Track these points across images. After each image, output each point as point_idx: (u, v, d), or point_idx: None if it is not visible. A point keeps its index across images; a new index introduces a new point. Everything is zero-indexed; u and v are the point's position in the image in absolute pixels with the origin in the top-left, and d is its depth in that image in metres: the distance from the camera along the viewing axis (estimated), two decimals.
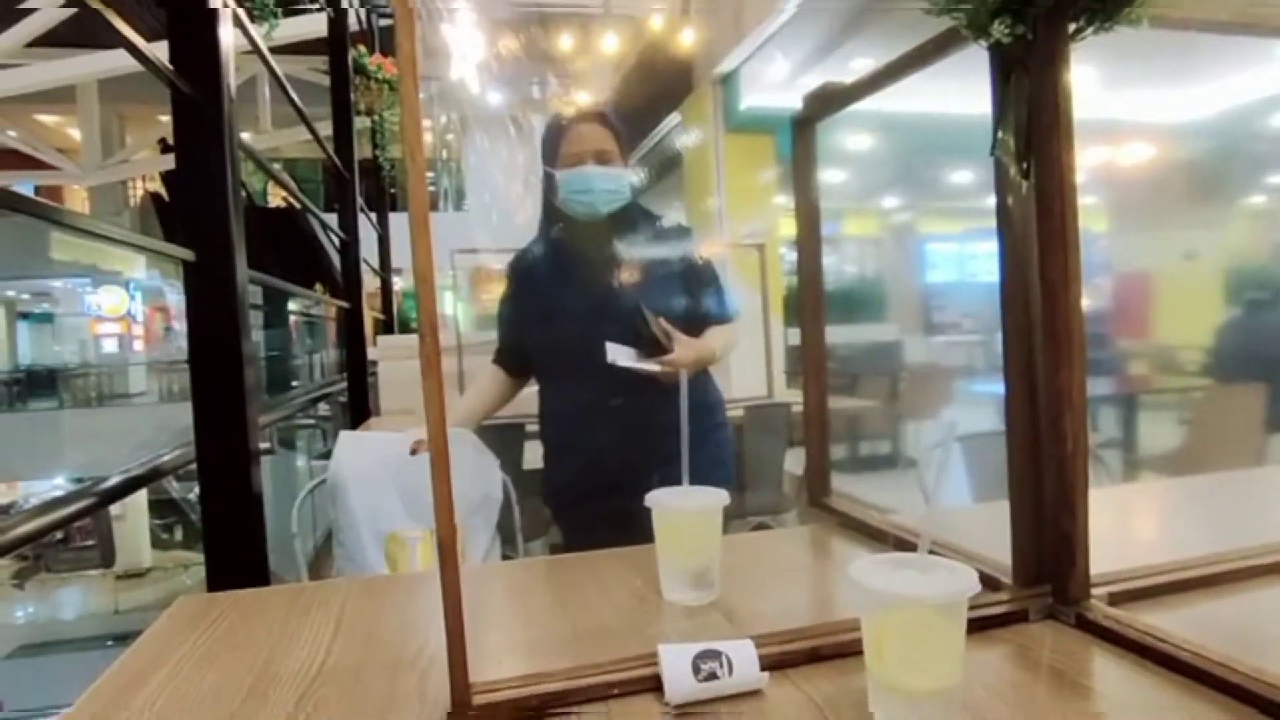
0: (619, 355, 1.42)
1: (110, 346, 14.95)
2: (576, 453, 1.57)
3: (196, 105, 1.40)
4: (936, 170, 9.65)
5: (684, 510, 0.82)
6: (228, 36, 1.49)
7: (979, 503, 1.69)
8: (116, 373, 13.74)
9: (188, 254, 1.40)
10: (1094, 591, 0.73)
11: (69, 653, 8.49)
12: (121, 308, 14.81)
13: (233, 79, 1.48)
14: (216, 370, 1.47)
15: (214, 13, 1.45)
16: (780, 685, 0.62)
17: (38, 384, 13.02)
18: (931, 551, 0.59)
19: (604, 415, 1.51)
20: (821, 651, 0.66)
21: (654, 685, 0.62)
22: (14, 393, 12.44)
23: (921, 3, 0.69)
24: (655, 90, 6.48)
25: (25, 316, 15.63)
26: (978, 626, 0.71)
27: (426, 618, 0.81)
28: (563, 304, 1.55)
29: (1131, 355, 6.20)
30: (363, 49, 4.52)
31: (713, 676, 0.60)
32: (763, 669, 0.62)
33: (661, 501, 0.82)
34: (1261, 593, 0.78)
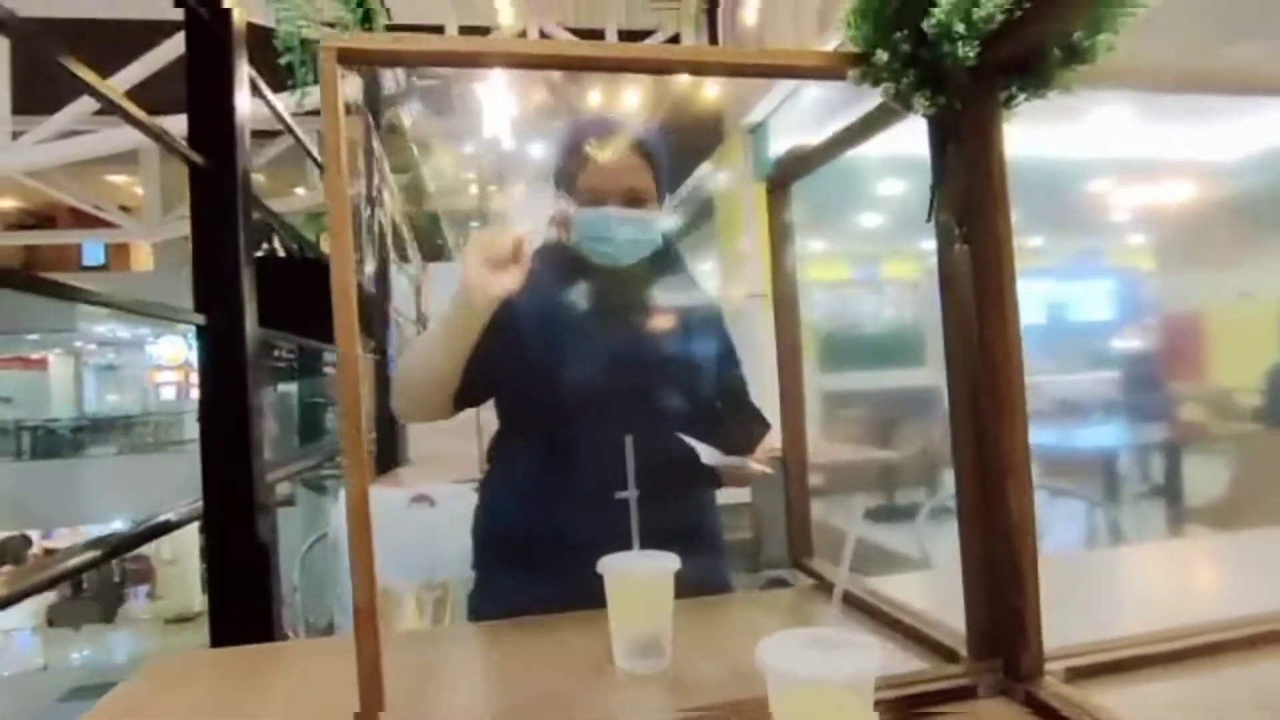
0: (701, 452, 1.11)
1: (169, 394, 15.53)
2: (552, 550, 1.08)
3: (210, 174, 1.48)
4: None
5: (635, 575, 0.82)
6: (244, 106, 1.57)
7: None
8: (174, 420, 14.22)
9: (199, 319, 1.47)
10: (1050, 666, 0.70)
11: None
12: (180, 356, 15.40)
13: (247, 148, 1.56)
14: (225, 427, 1.52)
15: (230, 85, 1.54)
16: None
17: (100, 431, 13.54)
18: (846, 598, 0.57)
19: (603, 507, 0.94)
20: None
21: None
22: (79, 439, 12.95)
23: (845, 78, 0.70)
24: (687, 142, 6.60)
25: (90, 366, 16.35)
26: (923, 701, 0.69)
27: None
28: (564, 358, 1.19)
29: (1182, 399, 5.98)
30: (399, 109, 4.70)
31: None
32: None
33: (613, 566, 0.82)
34: (1238, 669, 0.74)
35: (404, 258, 4.70)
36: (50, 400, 15.15)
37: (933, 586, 1.24)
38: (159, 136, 1.32)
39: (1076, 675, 0.71)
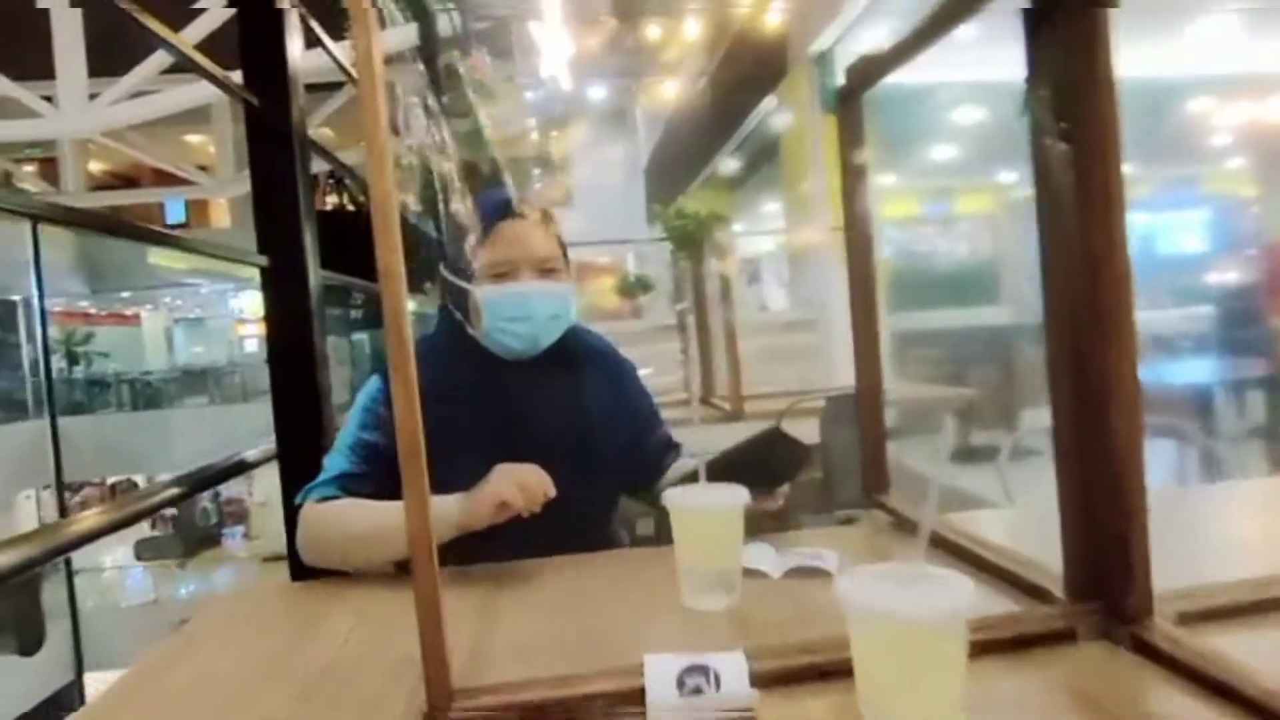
0: (763, 562, 0.89)
1: (251, 346, 16.18)
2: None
3: (265, 117, 1.46)
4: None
5: (702, 509, 0.78)
6: (296, 49, 1.55)
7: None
8: (258, 370, 14.84)
9: (262, 260, 1.47)
10: (1160, 609, 0.64)
11: None
12: (260, 309, 15.96)
13: (300, 88, 1.54)
14: (294, 371, 1.53)
15: (281, 28, 1.51)
16: (771, 704, 0.58)
17: (191, 382, 14.25)
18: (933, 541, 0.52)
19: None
20: (825, 669, 0.61)
21: (642, 699, 0.59)
22: (172, 391, 13.65)
23: None
24: (749, 74, 6.36)
25: (179, 320, 17.15)
26: (1018, 645, 0.64)
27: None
28: (472, 462, 0.98)
29: None
30: (456, 53, 4.64)
31: (697, 691, 0.56)
32: (758, 685, 0.58)
33: (678, 500, 0.79)
34: None
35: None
36: (144, 354, 15.98)
37: (1019, 524, 1.17)
38: (220, 81, 1.31)
39: (1187, 619, 0.64)
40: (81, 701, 5.74)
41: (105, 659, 9.47)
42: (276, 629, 0.82)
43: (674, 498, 0.79)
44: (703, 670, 0.57)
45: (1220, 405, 4.86)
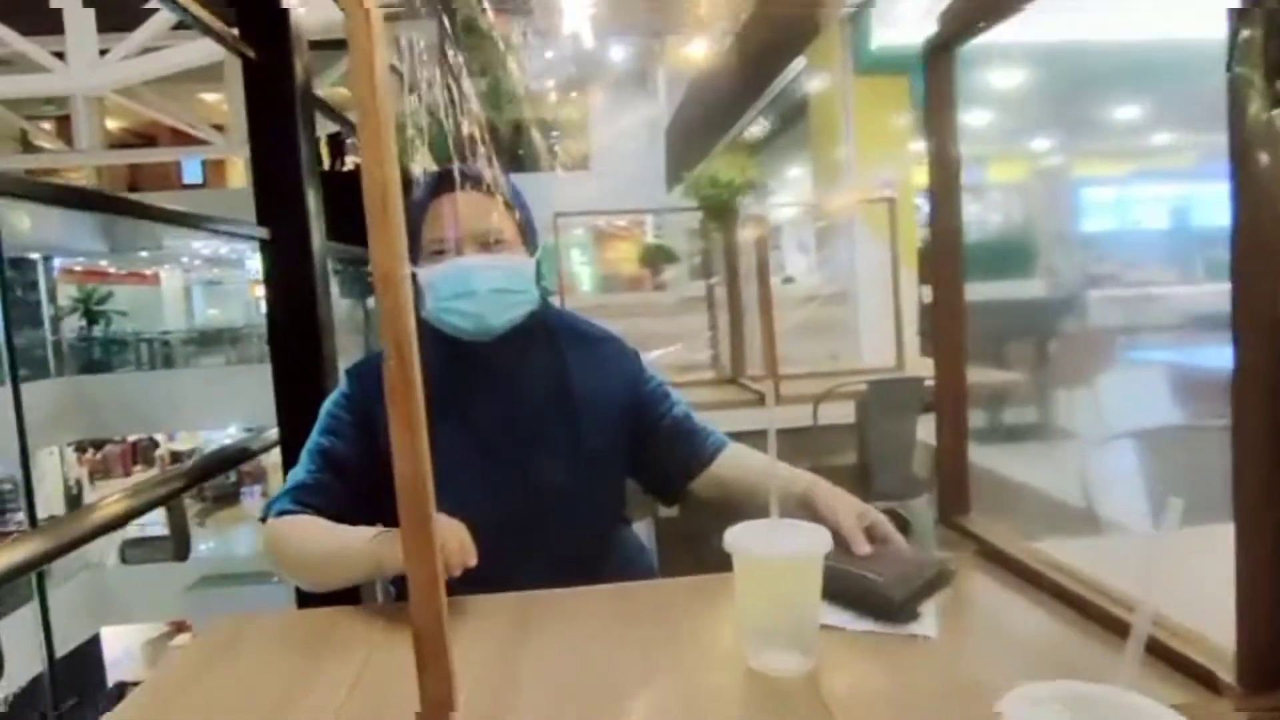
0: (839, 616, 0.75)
1: None
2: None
3: (264, 73, 1.32)
4: (1093, 106, 8.66)
5: (775, 559, 0.64)
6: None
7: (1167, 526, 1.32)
8: None
9: (263, 233, 1.34)
10: None
11: (241, 585, 9.41)
12: None
13: (304, 45, 1.39)
14: (296, 346, 1.41)
15: None
16: None
17: (209, 342, 14.28)
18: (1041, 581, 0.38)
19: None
20: None
21: None
22: (190, 351, 13.69)
23: None
24: (778, 34, 6.09)
25: (198, 282, 17.18)
26: None
27: (470, 652, 0.68)
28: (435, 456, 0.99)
29: None
30: (475, 5, 4.43)
31: None
32: None
33: (744, 544, 0.65)
34: None
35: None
36: (163, 314, 16.03)
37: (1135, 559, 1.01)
38: (213, 31, 1.16)
39: None
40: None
41: (124, 614, 9.63)
42: (279, 665, 0.70)
43: (739, 542, 0.65)
44: None
45: None
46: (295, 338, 1.39)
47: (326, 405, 1.07)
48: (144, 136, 13.61)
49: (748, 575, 0.65)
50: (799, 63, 6.34)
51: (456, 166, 0.98)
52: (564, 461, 1.02)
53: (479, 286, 0.99)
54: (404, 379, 0.43)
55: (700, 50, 7.09)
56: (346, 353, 1.46)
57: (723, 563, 0.98)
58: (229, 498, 12.51)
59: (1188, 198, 10.16)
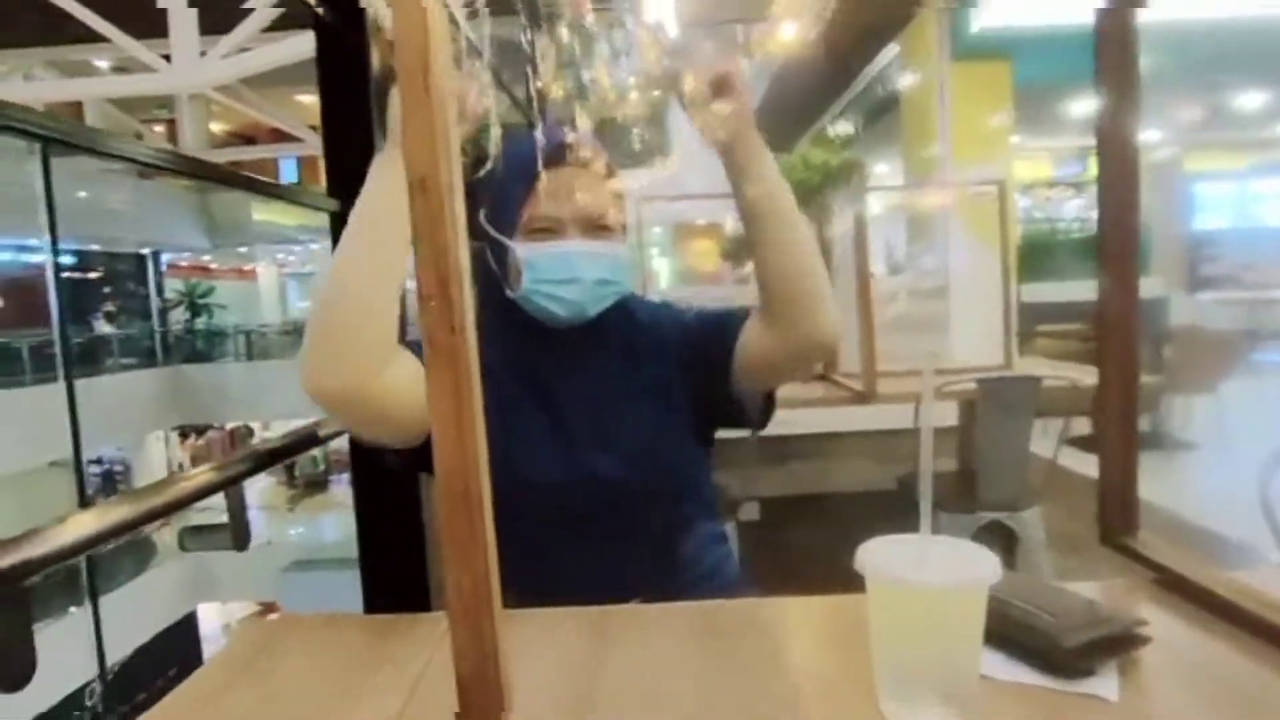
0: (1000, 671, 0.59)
1: None
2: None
3: (339, 41, 1.26)
4: (1211, 94, 8.06)
5: (927, 589, 0.51)
6: None
7: None
8: None
9: (333, 204, 1.28)
10: None
11: (327, 570, 9.76)
12: None
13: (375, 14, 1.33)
14: None
15: None
16: None
17: (302, 333, 14.85)
18: None
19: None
20: None
21: None
22: (286, 342, 14.28)
23: None
24: (868, 21, 5.85)
25: (291, 276, 17.93)
26: None
27: (528, 672, 0.58)
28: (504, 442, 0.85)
29: None
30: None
31: None
32: None
33: (885, 568, 0.52)
34: None
35: None
36: (261, 306, 16.80)
37: None
38: None
39: None
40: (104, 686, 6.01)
41: (219, 593, 10.12)
42: (315, 685, 0.62)
43: (878, 563, 0.52)
44: None
45: None
46: None
47: None
48: (245, 137, 14.24)
49: (889, 607, 0.52)
50: (891, 50, 6.07)
51: (572, 137, 0.90)
52: (645, 449, 0.95)
53: (585, 275, 0.92)
54: (449, 326, 0.32)
55: (786, 39, 6.89)
56: None
57: (810, 573, 0.86)
58: (318, 485, 12.97)
59: None
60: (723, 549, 1.05)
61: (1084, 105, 8.06)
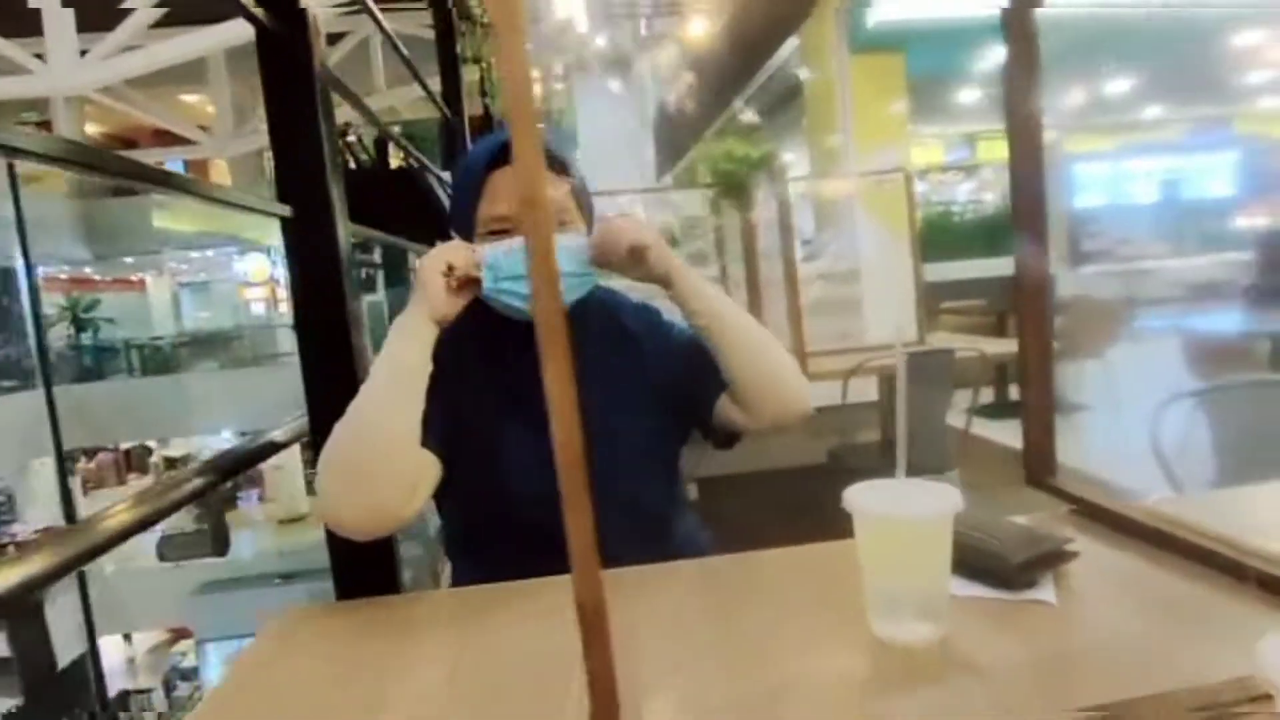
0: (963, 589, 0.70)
1: (258, 310, 16.01)
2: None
3: (281, 42, 1.25)
4: (1085, 81, 8.69)
5: (905, 520, 0.60)
6: None
7: (1237, 481, 1.30)
8: (265, 334, 14.72)
9: (284, 210, 1.28)
10: None
11: (243, 589, 9.34)
12: (265, 273, 15.77)
13: (317, 20, 1.33)
14: (323, 335, 1.35)
15: None
16: None
17: (200, 347, 14.14)
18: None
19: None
20: None
21: None
22: (180, 356, 13.56)
23: None
24: (770, 15, 6.03)
25: (184, 285, 17.00)
26: None
27: (562, 642, 0.63)
28: (486, 442, 0.97)
29: None
30: None
31: None
32: None
33: (868, 505, 0.60)
34: None
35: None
36: (151, 319, 15.86)
37: (1237, 513, 0.97)
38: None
39: None
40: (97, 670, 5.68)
41: (123, 623, 9.54)
42: (360, 667, 0.65)
43: (860, 500, 0.60)
44: None
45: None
46: (322, 318, 1.33)
47: None
48: (125, 140, 13.42)
49: (873, 539, 0.60)
50: (791, 43, 6.28)
51: (506, 137, 0.94)
52: (621, 437, 0.98)
53: None
54: (555, 320, 0.38)
55: (690, 34, 7.03)
56: None
57: (752, 545, 0.93)
58: (226, 502, 12.41)
59: (1179, 170, 10.21)
60: (693, 523, 1.11)
61: (970, 94, 8.53)
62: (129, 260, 14.52)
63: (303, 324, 1.35)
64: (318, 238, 1.32)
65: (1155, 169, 10.49)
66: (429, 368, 0.88)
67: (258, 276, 16.01)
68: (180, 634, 10.15)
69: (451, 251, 0.92)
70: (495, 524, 0.96)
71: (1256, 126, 10.37)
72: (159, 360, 13.01)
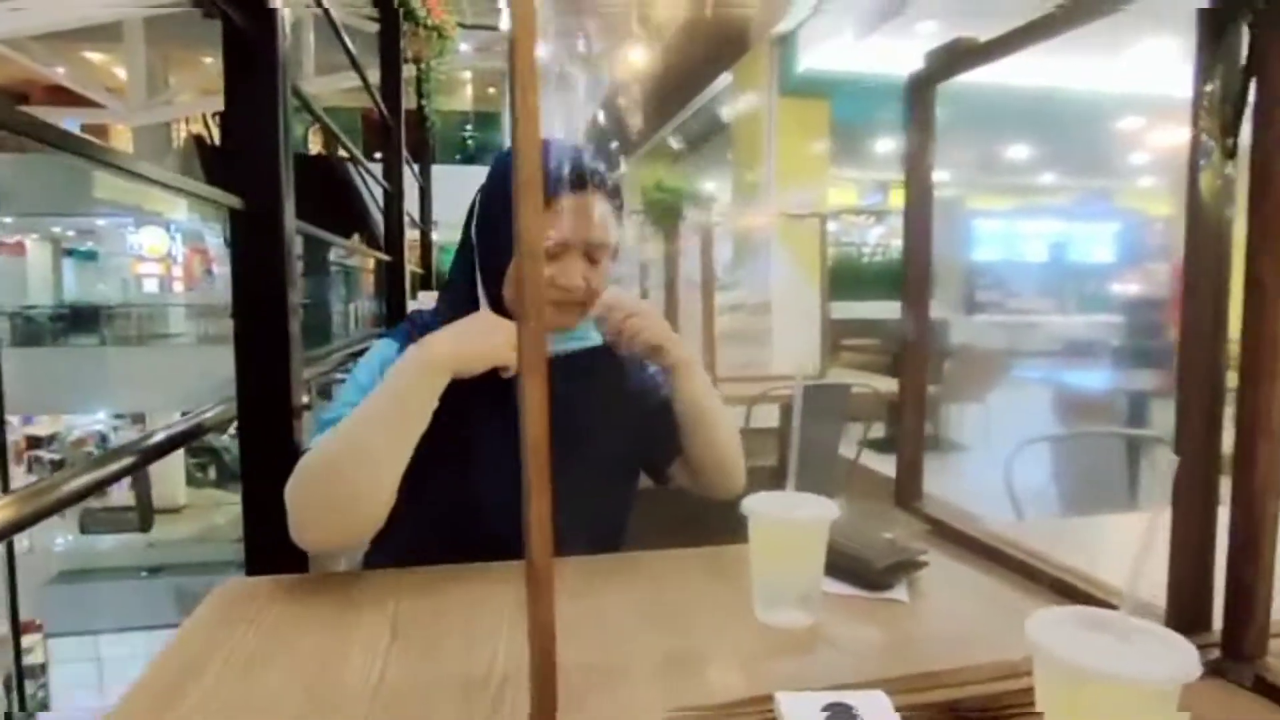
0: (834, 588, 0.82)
1: (151, 286, 15.15)
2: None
3: (248, 39, 1.30)
4: (989, 144, 9.34)
5: (790, 523, 0.72)
6: None
7: (1070, 514, 1.55)
8: (156, 313, 13.94)
9: (235, 201, 1.32)
10: (1271, 646, 0.63)
11: (104, 580, 8.77)
12: (162, 248, 14.97)
13: (286, 12, 1.38)
14: (262, 324, 1.39)
15: None
16: None
17: (81, 320, 13.27)
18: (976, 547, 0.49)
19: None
20: (963, 706, 0.57)
21: None
22: (58, 328, 12.69)
23: None
24: (706, 49, 6.27)
25: (70, 253, 15.91)
26: None
27: (491, 625, 0.72)
28: (477, 450, 0.94)
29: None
30: None
31: None
32: None
33: (761, 511, 0.73)
34: None
35: (413, 156, 4.46)
36: (28, 287, 14.76)
37: (1062, 538, 1.15)
38: None
39: None
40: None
41: None
42: (299, 638, 0.72)
43: (756, 505, 0.73)
44: (847, 712, 0.52)
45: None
46: (263, 308, 1.37)
47: (376, 357, 0.99)
48: (13, 94, 12.54)
49: (763, 538, 0.73)
50: (724, 79, 6.54)
51: (586, 162, 0.95)
52: (593, 462, 0.99)
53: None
54: (537, 346, 0.48)
55: (628, 56, 7.20)
56: None
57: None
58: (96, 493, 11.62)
59: (1066, 234, 11.08)
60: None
61: (887, 144, 9.03)
62: (7, 220, 13.53)
63: (242, 312, 1.39)
64: (266, 231, 1.36)
65: (1046, 231, 11.35)
66: (430, 413, 0.84)
67: (153, 252, 15.18)
68: (26, 627, 9.45)
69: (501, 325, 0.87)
70: (426, 515, 0.94)
71: (1135, 202, 11.39)
72: (31, 331, 12.14)
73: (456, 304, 1.00)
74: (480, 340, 0.85)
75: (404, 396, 0.84)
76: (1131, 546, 0.48)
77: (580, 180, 0.94)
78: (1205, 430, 0.64)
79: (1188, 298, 0.65)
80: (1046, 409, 4.57)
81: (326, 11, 2.14)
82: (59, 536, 10.28)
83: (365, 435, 0.84)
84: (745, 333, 4.31)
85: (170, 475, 11.38)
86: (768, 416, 2.76)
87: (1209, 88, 0.61)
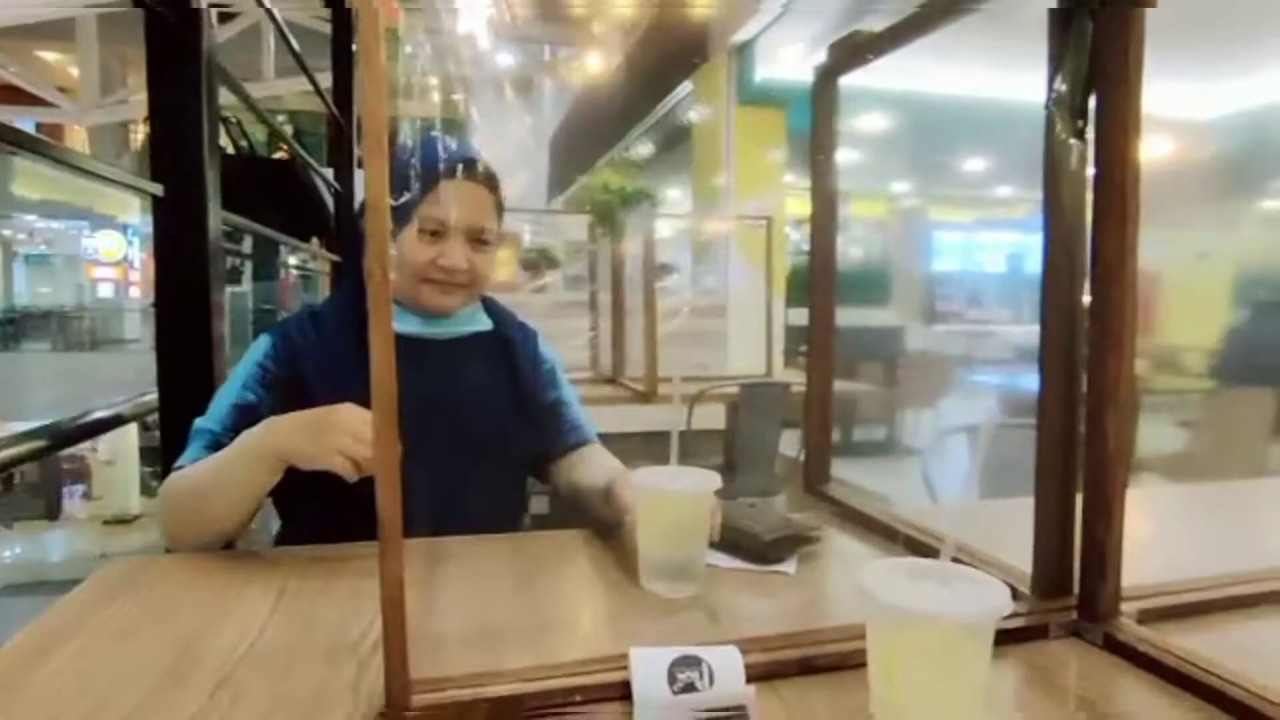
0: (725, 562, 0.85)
1: (106, 291, 14.81)
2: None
3: (170, 28, 1.29)
4: (949, 157, 9.52)
5: (673, 493, 0.74)
6: None
7: (986, 499, 1.57)
8: (111, 317, 13.62)
9: (156, 188, 1.31)
10: (1123, 608, 0.65)
11: (53, 594, 8.49)
12: (118, 252, 14.65)
13: (207, 3, 1.38)
14: (184, 316, 1.38)
15: None
16: (766, 700, 0.55)
17: (32, 324, 12.91)
18: (955, 559, 0.51)
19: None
20: (815, 663, 0.59)
21: (624, 693, 0.54)
22: (8, 332, 12.34)
23: None
24: (668, 57, 6.33)
25: (22, 257, 15.51)
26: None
27: (374, 598, 0.72)
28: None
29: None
30: None
31: (690, 688, 0.52)
32: (748, 680, 0.54)
33: (648, 482, 0.74)
34: None
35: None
36: None
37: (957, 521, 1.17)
38: None
39: (1147, 618, 0.66)
40: None
41: None
42: (180, 610, 0.71)
43: (643, 479, 0.74)
44: (695, 664, 0.53)
45: None
46: (184, 300, 1.36)
47: (251, 357, 1.03)
48: None
49: (648, 510, 0.74)
50: (685, 88, 6.60)
51: (468, 152, 1.03)
52: (477, 442, 1.04)
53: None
54: (384, 298, 0.49)
55: (590, 65, 7.24)
56: None
57: None
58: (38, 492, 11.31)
59: (1023, 246, 11.33)
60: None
61: (845, 155, 9.17)
62: None
63: (163, 304, 1.37)
64: (188, 219, 1.35)
65: (1003, 242, 11.59)
66: (272, 484, 0.87)
67: (109, 255, 14.84)
68: None
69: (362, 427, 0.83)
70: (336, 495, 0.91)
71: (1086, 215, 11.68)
72: None
73: (340, 302, 1.11)
74: (322, 440, 0.81)
75: (245, 469, 0.86)
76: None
77: (462, 168, 1.00)
78: (1064, 407, 0.67)
79: (1048, 279, 0.67)
80: (996, 411, 4.66)
81: (270, 12, 2.12)
82: (5, 550, 9.98)
83: (215, 486, 0.88)
84: (700, 333, 4.35)
85: (123, 484, 11.12)
86: (713, 418, 2.78)
87: (1060, 75, 0.64)
